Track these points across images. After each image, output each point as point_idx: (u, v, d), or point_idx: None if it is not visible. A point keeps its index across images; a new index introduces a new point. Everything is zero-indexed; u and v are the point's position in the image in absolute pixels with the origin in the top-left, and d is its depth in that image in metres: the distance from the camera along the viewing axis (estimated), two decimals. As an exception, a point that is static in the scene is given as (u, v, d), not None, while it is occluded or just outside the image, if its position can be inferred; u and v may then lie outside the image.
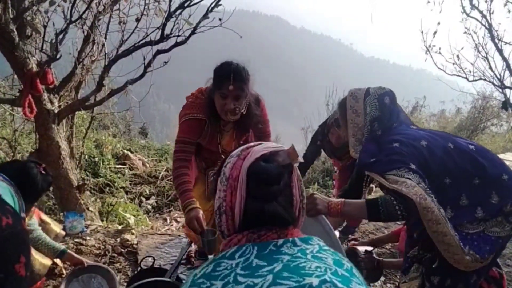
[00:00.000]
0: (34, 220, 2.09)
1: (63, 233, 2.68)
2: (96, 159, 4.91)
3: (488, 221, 1.66)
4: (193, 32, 2.82)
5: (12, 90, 3.91)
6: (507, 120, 9.65)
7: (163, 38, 2.84)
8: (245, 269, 0.69)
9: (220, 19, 2.72)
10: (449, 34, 4.85)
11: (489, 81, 4.94)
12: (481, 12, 4.59)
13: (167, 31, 2.84)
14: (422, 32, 5.08)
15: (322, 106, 6.73)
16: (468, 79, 5.14)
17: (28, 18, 2.65)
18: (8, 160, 4.13)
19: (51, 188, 2.69)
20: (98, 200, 4.19)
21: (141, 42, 2.90)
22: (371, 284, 2.56)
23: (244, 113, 2.02)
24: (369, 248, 2.32)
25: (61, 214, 3.01)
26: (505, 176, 1.67)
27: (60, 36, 2.65)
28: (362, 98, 1.76)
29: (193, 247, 2.64)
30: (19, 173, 1.63)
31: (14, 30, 2.47)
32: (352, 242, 2.50)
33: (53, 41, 2.61)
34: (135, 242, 2.90)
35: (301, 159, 0.86)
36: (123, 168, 5.19)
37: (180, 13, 2.82)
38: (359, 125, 1.75)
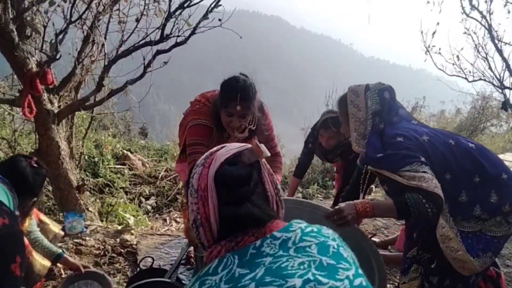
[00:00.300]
0: (33, 221, 2.08)
1: (62, 233, 2.68)
2: (96, 159, 4.91)
3: (487, 221, 1.66)
4: (193, 33, 2.82)
5: (12, 90, 3.91)
6: (507, 121, 9.65)
7: (163, 38, 2.84)
8: (228, 282, 0.68)
9: (220, 19, 2.72)
10: (449, 35, 4.85)
11: (489, 82, 4.94)
12: (480, 12, 4.59)
13: (167, 31, 2.84)
14: (421, 33, 5.08)
15: (322, 106, 6.72)
16: (467, 80, 5.14)
17: (28, 18, 2.65)
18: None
19: (50, 189, 2.67)
20: (97, 200, 4.19)
21: (141, 42, 2.90)
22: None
23: (253, 128, 2.03)
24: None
25: (61, 214, 3.01)
26: (505, 176, 1.68)
27: (60, 36, 2.65)
28: (362, 93, 1.76)
29: (193, 248, 2.63)
30: (8, 168, 1.57)
31: (14, 30, 2.47)
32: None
33: (53, 41, 2.61)
34: (135, 243, 2.90)
35: (267, 153, 0.82)
36: (123, 168, 5.19)
37: (180, 13, 2.82)
38: (361, 119, 1.75)
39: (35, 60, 2.73)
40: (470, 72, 5.06)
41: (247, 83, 1.94)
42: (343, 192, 2.37)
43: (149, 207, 4.51)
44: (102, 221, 3.59)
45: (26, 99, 2.61)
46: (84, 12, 2.82)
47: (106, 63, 3.00)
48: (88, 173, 4.67)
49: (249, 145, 0.85)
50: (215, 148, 0.86)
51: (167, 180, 5.13)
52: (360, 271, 0.71)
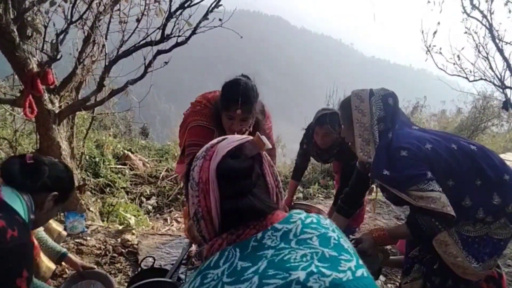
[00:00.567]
0: None
1: (65, 233, 2.68)
2: (97, 159, 4.91)
3: (492, 223, 1.66)
4: (193, 33, 2.82)
5: (13, 90, 3.91)
6: (508, 120, 9.63)
7: (164, 38, 2.84)
8: (230, 275, 0.68)
9: (220, 19, 2.72)
10: (450, 34, 4.85)
11: (490, 81, 4.94)
12: (481, 12, 4.59)
13: (167, 31, 2.84)
14: (422, 32, 5.08)
15: (322, 105, 6.69)
16: (468, 79, 5.14)
17: (29, 18, 2.65)
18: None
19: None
20: (98, 200, 4.19)
21: (141, 43, 2.90)
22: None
23: (251, 131, 2.03)
24: None
25: (62, 214, 3.01)
26: (507, 177, 1.67)
27: (61, 37, 2.65)
28: (367, 98, 1.73)
29: (194, 247, 2.63)
30: (5, 172, 1.40)
31: (15, 30, 2.47)
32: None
33: (54, 41, 2.62)
34: (136, 243, 2.90)
35: (269, 145, 0.82)
36: (124, 168, 5.19)
37: (181, 14, 2.82)
38: (366, 125, 1.72)
39: (36, 60, 2.73)
40: (471, 71, 5.06)
41: (249, 86, 1.92)
42: (342, 194, 2.34)
43: (150, 207, 4.51)
44: (103, 221, 3.59)
45: (27, 99, 2.61)
46: (84, 12, 2.82)
47: (106, 63, 3.00)
48: (89, 173, 4.67)
49: (250, 137, 0.85)
50: (215, 140, 0.85)
51: (168, 180, 5.13)
52: (360, 262, 0.71)
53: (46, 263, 2.03)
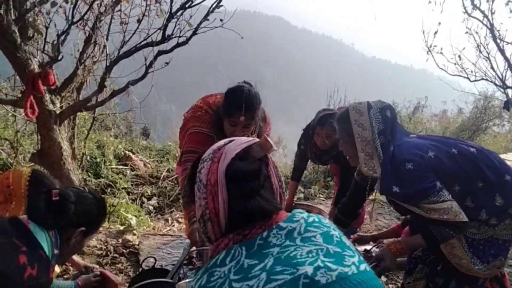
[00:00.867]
0: None
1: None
2: (98, 160, 4.91)
3: (497, 226, 1.66)
4: (194, 33, 2.82)
5: (14, 91, 3.92)
6: (509, 120, 9.63)
7: (165, 39, 2.84)
8: (238, 273, 0.69)
9: (221, 20, 2.73)
10: (451, 34, 4.85)
11: (491, 81, 4.94)
12: (482, 12, 4.59)
13: (168, 32, 2.84)
14: (423, 32, 5.08)
15: (323, 106, 6.69)
16: (469, 79, 5.14)
17: (30, 19, 2.65)
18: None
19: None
20: (99, 200, 4.19)
21: (142, 43, 2.90)
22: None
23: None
24: (368, 247, 2.33)
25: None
26: (508, 177, 1.67)
27: (62, 37, 2.66)
28: (366, 112, 1.70)
29: (195, 247, 2.63)
30: (31, 209, 1.36)
31: (16, 31, 2.48)
32: (355, 235, 2.47)
33: (55, 42, 2.62)
34: (137, 243, 2.90)
35: (275, 147, 0.83)
36: (125, 169, 5.19)
37: (182, 14, 2.82)
38: (368, 139, 1.69)
39: (37, 61, 2.73)
40: (472, 71, 5.07)
41: (252, 93, 1.93)
42: (340, 204, 2.32)
43: (151, 208, 4.51)
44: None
45: (28, 100, 2.61)
46: (85, 13, 2.82)
47: (107, 64, 3.00)
48: (90, 174, 4.67)
49: (257, 139, 0.85)
50: (222, 142, 0.86)
51: (169, 181, 5.13)
52: (362, 258, 0.74)
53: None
